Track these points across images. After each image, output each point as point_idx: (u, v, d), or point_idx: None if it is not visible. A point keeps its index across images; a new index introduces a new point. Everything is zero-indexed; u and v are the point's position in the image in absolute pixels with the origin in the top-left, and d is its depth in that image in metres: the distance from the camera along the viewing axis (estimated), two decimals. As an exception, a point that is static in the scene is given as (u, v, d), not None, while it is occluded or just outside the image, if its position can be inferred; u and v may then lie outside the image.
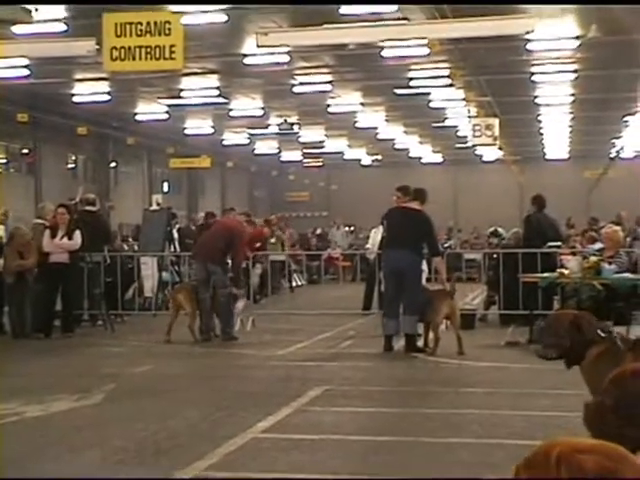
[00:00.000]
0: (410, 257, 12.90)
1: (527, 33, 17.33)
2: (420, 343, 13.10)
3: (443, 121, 39.95)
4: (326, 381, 10.45)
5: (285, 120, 37.81)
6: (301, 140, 45.47)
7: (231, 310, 14.73)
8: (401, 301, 12.92)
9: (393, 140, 47.26)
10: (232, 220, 15.97)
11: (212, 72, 29.12)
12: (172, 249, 20.69)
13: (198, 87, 31.08)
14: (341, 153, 51.42)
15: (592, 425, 4.05)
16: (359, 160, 55.04)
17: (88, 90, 31.03)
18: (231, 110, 36.07)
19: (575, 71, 29.04)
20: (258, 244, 21.61)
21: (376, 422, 8.37)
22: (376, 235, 18.60)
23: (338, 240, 34.44)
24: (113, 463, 6.74)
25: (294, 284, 27.11)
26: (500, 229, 28.13)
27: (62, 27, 20.56)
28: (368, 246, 19.70)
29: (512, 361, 12.08)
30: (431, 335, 12.89)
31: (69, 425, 8.16)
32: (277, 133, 40.87)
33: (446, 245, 33.41)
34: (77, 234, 15.67)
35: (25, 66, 22.41)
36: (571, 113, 39.47)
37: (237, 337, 14.74)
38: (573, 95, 34.40)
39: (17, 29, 19.92)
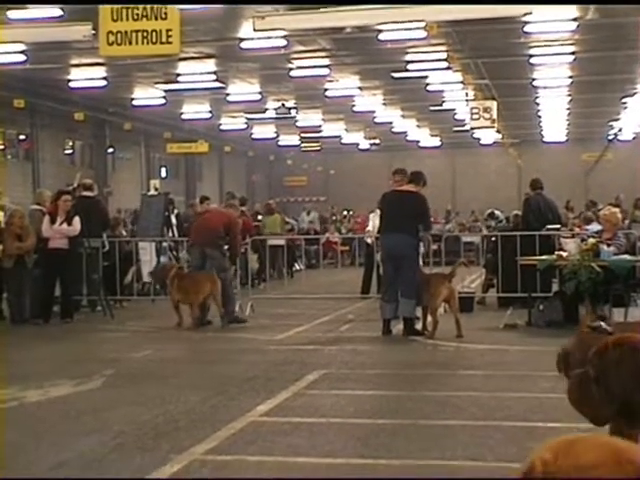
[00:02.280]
0: (407, 241, 12.92)
1: (525, 15, 17.28)
2: (418, 326, 13.13)
3: (441, 104, 39.86)
4: (325, 365, 10.48)
5: (282, 104, 37.73)
6: (299, 124, 45.38)
7: (232, 293, 14.75)
8: (399, 285, 12.93)
9: (391, 124, 47.19)
10: (227, 210, 16.04)
11: (209, 56, 29.04)
12: (170, 234, 20.69)
13: (195, 72, 30.99)
14: (339, 137, 51.35)
15: (575, 396, 4.05)
16: (357, 144, 54.97)
17: (85, 75, 30.94)
18: (228, 95, 35.99)
19: (573, 53, 28.97)
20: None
21: (375, 405, 8.39)
22: (375, 218, 18.58)
23: (305, 226, 34.43)
24: (112, 447, 6.76)
25: (294, 269, 27.12)
26: (497, 212, 28.16)
27: (58, 12, 20.49)
28: (368, 229, 19.69)
29: (510, 343, 12.12)
30: (429, 318, 12.91)
31: (68, 410, 8.19)
32: (274, 118, 40.77)
33: (445, 228, 33.48)
34: (76, 220, 15.67)
35: (21, 51, 22.31)
36: (569, 95, 39.40)
37: (245, 319, 14.85)
38: (571, 77, 34.33)
39: (12, 14, 19.86)
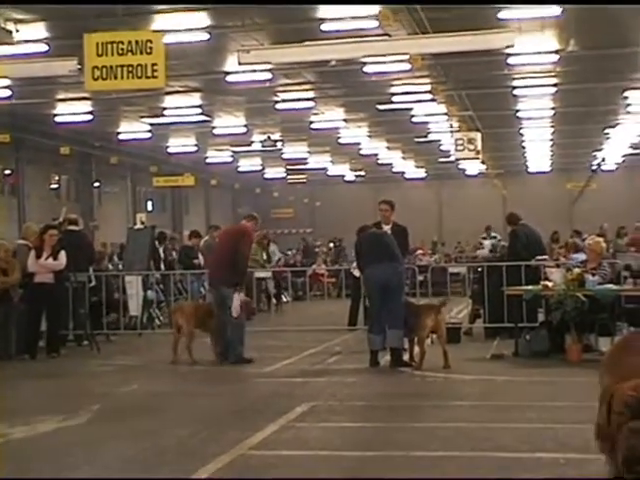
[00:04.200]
0: (393, 269, 12.94)
1: (507, 47, 17.46)
2: (406, 357, 13.12)
3: (426, 136, 40.12)
4: (313, 397, 10.46)
5: (268, 137, 37.90)
6: (284, 157, 45.56)
7: (242, 333, 14.04)
8: (386, 316, 12.93)
9: (376, 155, 47.43)
10: (236, 227, 15.39)
11: (194, 90, 29.20)
12: (159, 267, 20.68)
13: (181, 105, 31.13)
14: (325, 169, 51.54)
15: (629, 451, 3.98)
16: (343, 176, 55.17)
17: (70, 110, 31.04)
18: (214, 128, 36.14)
19: (555, 85, 29.27)
20: None
21: (363, 437, 8.38)
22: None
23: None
24: (101, 483, 6.74)
25: (283, 300, 27.08)
26: (494, 233, 28.29)
27: (43, 47, 20.57)
28: (354, 265, 19.71)
29: (497, 374, 12.11)
30: (417, 349, 12.91)
31: (55, 445, 8.14)
32: (260, 150, 40.94)
33: (432, 259, 33.52)
34: (62, 254, 15.64)
35: (6, 86, 22.40)
36: (552, 126, 39.72)
37: (251, 359, 13.98)
38: (554, 108, 34.64)
39: (-2, 50, 19.92)
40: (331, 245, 40.69)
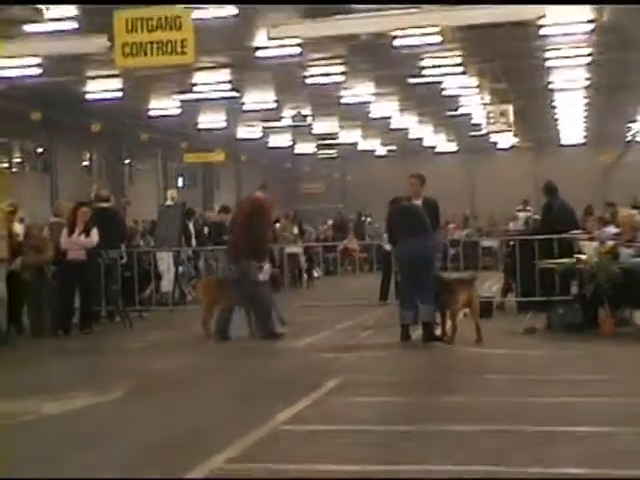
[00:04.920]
0: (423, 244, 12.90)
1: (539, 18, 17.26)
2: (438, 332, 13.11)
3: (457, 109, 39.86)
4: (345, 371, 10.48)
5: (298, 112, 37.82)
6: (314, 132, 45.45)
7: (269, 306, 13.89)
8: (417, 291, 12.91)
9: (407, 130, 47.19)
10: (250, 198, 15.05)
11: (224, 66, 29.15)
12: (190, 243, 20.77)
13: (210, 81, 31.10)
14: (355, 144, 51.37)
15: None
16: (373, 150, 54.98)
17: (101, 87, 31.11)
18: (244, 104, 36.09)
19: (589, 55, 28.90)
20: None
21: (396, 411, 8.39)
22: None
23: None
24: (135, 457, 6.80)
25: (314, 275, 27.16)
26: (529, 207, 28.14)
27: (74, 25, 20.62)
28: (385, 235, 19.67)
29: (530, 348, 12.09)
30: (449, 323, 12.90)
31: (88, 422, 8.23)
32: (290, 126, 40.86)
33: (463, 233, 33.41)
34: (94, 231, 15.74)
35: (37, 65, 22.47)
36: (586, 98, 39.31)
37: (281, 333, 13.86)
38: (588, 80, 34.24)
39: (29, 28, 19.99)
40: (364, 218, 40.61)
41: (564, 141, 53.82)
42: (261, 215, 14.10)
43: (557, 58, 29.15)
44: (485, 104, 33.48)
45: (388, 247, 18.70)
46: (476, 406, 8.27)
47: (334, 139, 48.51)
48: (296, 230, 26.31)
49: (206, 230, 22.94)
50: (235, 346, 13.53)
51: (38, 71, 23.38)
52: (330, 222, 41.44)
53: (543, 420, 7.53)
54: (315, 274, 27.70)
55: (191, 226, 21.82)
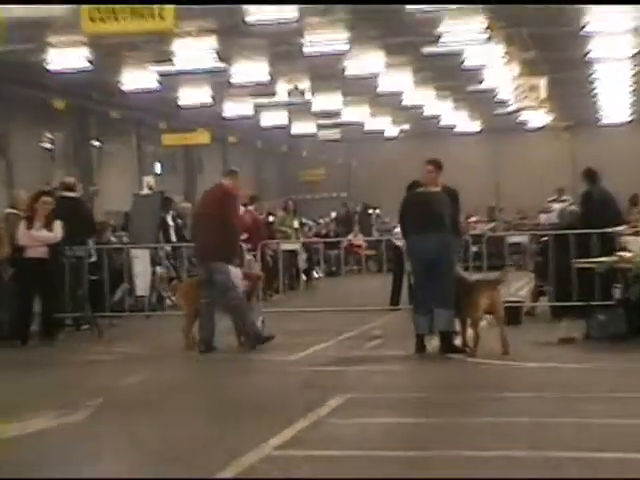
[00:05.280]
0: (440, 239, 12.89)
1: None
2: (458, 342, 13.10)
3: (480, 83, 39.81)
4: (349, 388, 10.47)
5: (295, 87, 37.78)
6: (314, 110, 45.41)
7: (247, 313, 14.00)
8: (433, 294, 12.91)
9: (422, 107, 47.16)
10: (214, 188, 14.88)
11: (209, 32, 29.11)
12: (169, 239, 20.77)
13: (193, 51, 31.06)
14: (361, 124, 51.34)
15: None
16: (383, 131, 54.96)
17: (65, 57, 31.05)
18: (232, 76, 36.05)
19: (635, 20, 28.84)
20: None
21: (408, 435, 8.39)
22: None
23: None
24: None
25: (314, 276, 27.18)
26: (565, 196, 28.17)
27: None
28: (397, 230, 19.69)
29: (565, 361, 12.08)
30: (470, 332, 12.89)
31: (47, 448, 8.20)
32: (286, 102, 40.81)
33: (487, 228, 33.40)
34: (57, 225, 15.71)
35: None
36: (631, 69, 39.24)
37: (272, 336, 14.11)
38: (635, 48, 34.14)
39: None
40: (371, 211, 40.65)
41: (605, 120, 53.77)
42: (229, 208, 14.12)
43: (597, 22, 29.06)
44: (513, 77, 33.42)
45: (400, 243, 18.71)
46: (501, 429, 8.26)
47: (337, 118, 48.47)
48: (296, 224, 26.32)
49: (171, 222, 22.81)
50: (221, 358, 13.52)
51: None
52: (333, 214, 41.43)
53: (579, 446, 7.52)
54: (315, 275, 27.71)
55: (170, 219, 21.81)
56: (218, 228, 13.82)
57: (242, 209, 22.59)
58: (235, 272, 13.96)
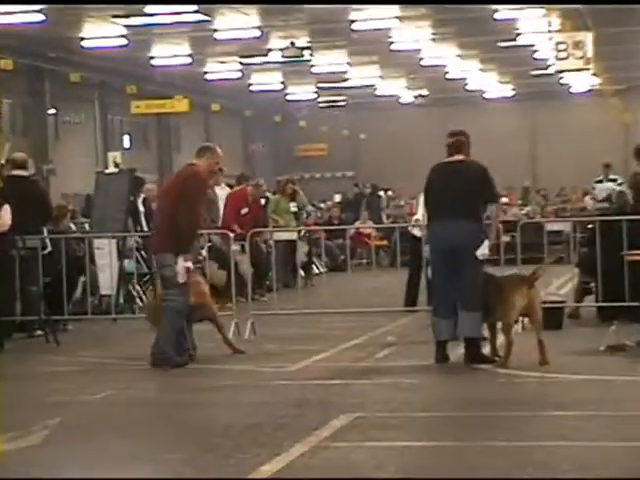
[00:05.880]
0: (466, 228, 12.88)
1: None
2: (486, 350, 13.11)
3: (514, 39, 39.80)
4: (356, 406, 10.48)
5: (292, 43, 37.78)
6: (315, 71, 45.42)
7: (176, 323, 13.71)
8: (457, 293, 12.92)
9: (444, 67, 47.17)
10: (182, 170, 14.79)
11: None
12: (140, 227, 20.76)
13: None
14: (371, 87, 51.34)
15: None
16: (397, 97, 54.97)
17: (13, 8, 31.04)
18: (215, 31, 36.04)
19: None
20: (244, 210, 21.85)
21: (426, 461, 8.39)
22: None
23: None
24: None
25: (314, 271, 27.18)
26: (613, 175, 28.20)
27: None
28: (417, 217, 19.66)
29: (616, 373, 12.09)
30: (501, 339, 12.90)
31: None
32: (281, 62, 40.81)
33: (522, 212, 33.42)
34: (5, 209, 15.75)
35: None
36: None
37: (185, 362, 13.80)
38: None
39: None
40: (382, 194, 40.66)
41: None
42: (191, 195, 13.86)
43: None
44: (553, 32, 33.40)
45: (418, 232, 18.70)
46: (539, 454, 8.26)
47: (342, 81, 48.46)
48: (294, 208, 26.30)
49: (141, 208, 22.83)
50: (201, 370, 13.53)
51: None
52: (337, 198, 41.47)
53: (634, 473, 7.52)
54: (315, 270, 27.70)
55: (141, 203, 21.79)
56: (173, 216, 13.67)
57: (240, 191, 22.68)
58: (183, 261, 13.74)
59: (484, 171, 13.34)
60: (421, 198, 19.46)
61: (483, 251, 13.10)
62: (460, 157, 13.39)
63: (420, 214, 19.25)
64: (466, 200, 13.00)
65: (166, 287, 13.84)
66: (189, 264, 13.64)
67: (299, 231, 24.37)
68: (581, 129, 56.02)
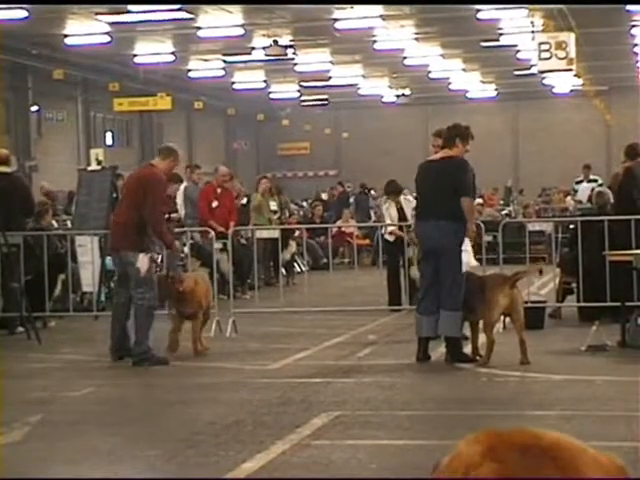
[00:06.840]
0: (446, 228, 12.89)
1: None
2: (468, 349, 13.13)
3: (497, 39, 39.83)
4: (337, 404, 10.50)
5: (275, 42, 37.73)
6: (297, 69, 45.39)
7: (148, 320, 13.76)
8: (439, 291, 12.93)
9: (427, 67, 47.18)
10: (142, 169, 15.18)
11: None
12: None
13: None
14: (354, 86, 51.34)
15: None
16: (380, 96, 54.98)
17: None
18: (199, 29, 35.99)
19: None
20: (215, 203, 21.85)
21: (408, 460, 8.39)
22: (390, 209, 18.79)
23: None
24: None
25: (296, 270, 27.18)
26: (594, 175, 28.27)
27: None
28: (388, 221, 19.69)
29: (597, 372, 12.11)
30: (483, 338, 12.91)
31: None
32: (264, 60, 40.75)
33: (503, 212, 33.47)
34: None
35: None
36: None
37: (166, 360, 13.81)
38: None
39: None
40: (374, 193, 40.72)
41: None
42: (153, 194, 13.92)
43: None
44: (536, 32, 33.42)
45: (390, 238, 18.83)
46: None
47: (325, 80, 48.44)
48: (275, 206, 26.30)
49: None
50: (183, 368, 13.51)
51: None
52: (324, 196, 41.44)
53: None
54: (298, 268, 27.70)
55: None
56: (133, 214, 13.79)
57: (208, 186, 22.73)
58: (145, 257, 13.70)
59: (460, 165, 13.26)
60: (385, 204, 19.66)
61: (470, 262, 13.17)
62: (444, 154, 13.34)
63: (387, 220, 19.36)
64: (447, 199, 13.00)
65: (134, 285, 13.76)
66: (150, 257, 13.68)
67: (292, 230, 24.43)
68: (564, 130, 56.13)
